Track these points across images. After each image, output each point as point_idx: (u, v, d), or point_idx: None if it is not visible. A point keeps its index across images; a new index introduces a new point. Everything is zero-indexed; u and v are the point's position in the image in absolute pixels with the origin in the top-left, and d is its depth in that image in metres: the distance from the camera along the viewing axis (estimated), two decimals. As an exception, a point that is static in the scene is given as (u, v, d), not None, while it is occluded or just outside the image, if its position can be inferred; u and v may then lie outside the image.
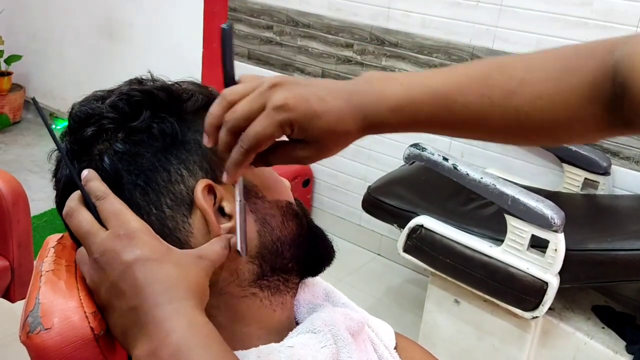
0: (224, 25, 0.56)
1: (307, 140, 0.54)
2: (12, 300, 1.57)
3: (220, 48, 0.57)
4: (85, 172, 0.54)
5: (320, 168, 2.62)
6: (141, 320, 0.47)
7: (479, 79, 0.55)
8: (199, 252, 0.53)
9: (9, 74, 3.45)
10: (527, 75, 0.53)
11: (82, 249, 0.53)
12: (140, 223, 0.52)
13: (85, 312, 0.50)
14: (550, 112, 0.53)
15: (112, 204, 0.52)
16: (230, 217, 0.57)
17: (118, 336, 0.50)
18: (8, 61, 3.39)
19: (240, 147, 0.53)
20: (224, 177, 0.56)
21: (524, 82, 0.53)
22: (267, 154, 0.56)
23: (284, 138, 0.55)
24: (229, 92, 0.54)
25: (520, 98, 0.53)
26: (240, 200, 0.56)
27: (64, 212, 0.54)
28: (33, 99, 0.59)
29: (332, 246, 0.66)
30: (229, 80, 0.57)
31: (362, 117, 0.55)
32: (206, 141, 0.55)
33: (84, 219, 0.52)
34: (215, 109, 0.54)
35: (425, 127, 0.57)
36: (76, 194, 0.54)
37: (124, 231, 0.50)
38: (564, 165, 1.91)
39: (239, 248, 0.55)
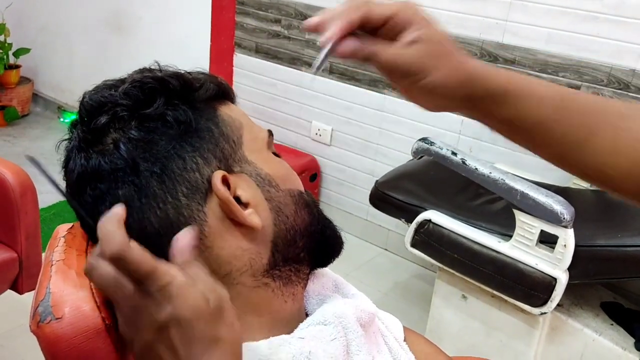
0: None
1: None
2: (20, 292, 1.57)
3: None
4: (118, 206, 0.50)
5: (328, 162, 2.61)
6: None
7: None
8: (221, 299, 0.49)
9: (17, 67, 3.46)
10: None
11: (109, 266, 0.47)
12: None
13: (96, 302, 0.50)
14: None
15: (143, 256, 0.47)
16: (247, 205, 0.57)
17: None
18: (16, 54, 3.39)
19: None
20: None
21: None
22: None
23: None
24: None
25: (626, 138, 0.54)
26: (331, 42, 0.51)
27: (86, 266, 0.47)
28: (32, 159, 0.53)
29: (341, 237, 0.66)
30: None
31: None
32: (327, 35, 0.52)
33: (106, 268, 0.46)
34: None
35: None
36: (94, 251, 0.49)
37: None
38: (574, 160, 1.89)
39: (314, 69, 0.53)
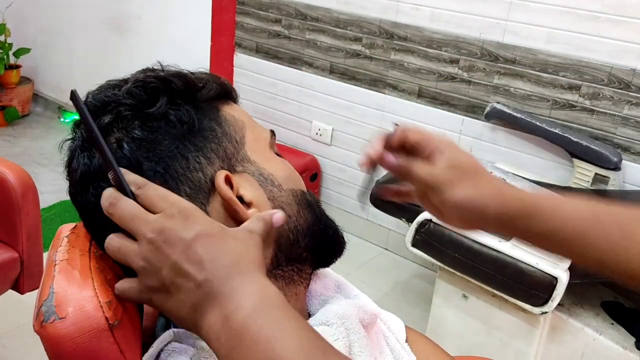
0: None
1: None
2: (21, 292, 1.57)
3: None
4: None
5: (328, 162, 2.61)
6: (213, 292, 0.47)
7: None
8: (248, 227, 0.53)
9: (17, 67, 3.46)
10: None
11: (113, 237, 0.51)
12: (190, 203, 0.52)
13: (99, 302, 0.50)
14: None
15: (156, 189, 0.52)
16: (249, 204, 0.57)
17: (184, 315, 0.48)
18: (17, 54, 3.40)
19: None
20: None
21: None
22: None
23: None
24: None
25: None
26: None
27: (104, 204, 0.51)
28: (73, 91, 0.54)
29: (343, 237, 0.67)
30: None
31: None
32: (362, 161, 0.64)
33: (129, 204, 0.50)
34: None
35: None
36: (111, 188, 0.52)
37: (177, 210, 0.50)
38: (574, 160, 1.89)
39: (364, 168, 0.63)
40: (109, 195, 0.51)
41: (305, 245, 0.61)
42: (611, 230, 0.58)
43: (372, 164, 0.64)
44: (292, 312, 0.47)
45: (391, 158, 0.62)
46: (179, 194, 0.55)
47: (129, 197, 0.51)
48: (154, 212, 0.50)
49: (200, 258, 0.47)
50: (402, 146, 0.63)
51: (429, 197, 0.61)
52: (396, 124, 0.64)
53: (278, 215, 0.55)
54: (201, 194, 0.56)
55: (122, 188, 0.51)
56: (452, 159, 0.60)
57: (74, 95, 0.53)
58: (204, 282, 0.47)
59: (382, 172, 0.67)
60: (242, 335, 0.44)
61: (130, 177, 0.52)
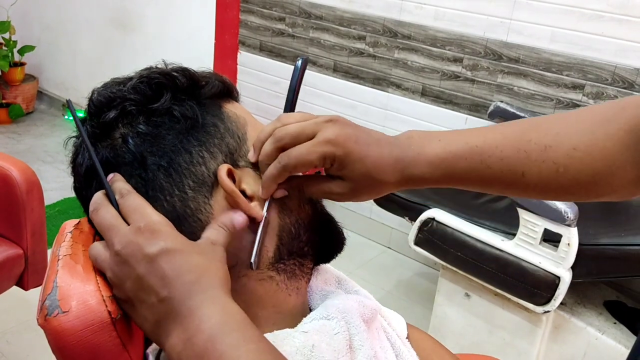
0: (300, 58, 0.62)
1: (343, 178, 0.58)
2: (26, 288, 1.58)
3: (292, 77, 0.62)
4: (111, 175, 0.55)
5: (331, 160, 2.61)
6: (174, 311, 0.48)
7: (515, 135, 0.57)
8: (210, 238, 0.54)
9: (22, 64, 3.47)
10: (562, 130, 0.55)
11: (96, 244, 0.53)
12: (160, 216, 0.52)
13: (102, 296, 0.50)
14: (588, 163, 0.54)
15: (134, 200, 0.53)
16: (251, 198, 0.58)
17: (147, 329, 0.50)
18: (21, 52, 3.41)
19: (277, 163, 0.56)
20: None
21: (560, 136, 0.55)
22: (302, 182, 0.59)
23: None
24: (285, 116, 0.59)
25: (556, 151, 0.55)
26: (265, 217, 0.57)
27: (89, 209, 0.54)
28: (68, 101, 0.60)
29: (343, 232, 0.67)
30: (289, 107, 0.61)
31: (400, 169, 0.58)
32: (251, 155, 0.59)
33: (107, 212, 0.52)
34: (268, 127, 0.58)
35: (461, 182, 0.59)
36: (101, 192, 0.55)
37: (144, 224, 0.51)
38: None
39: (252, 260, 0.56)
40: (94, 201, 0.54)
41: (307, 240, 0.62)
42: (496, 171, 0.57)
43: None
44: (252, 332, 0.48)
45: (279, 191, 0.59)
46: (183, 188, 0.56)
47: (113, 204, 0.53)
48: (128, 224, 0.51)
49: (164, 273, 0.48)
50: None
51: (334, 171, 0.58)
52: None
53: (237, 218, 0.55)
54: (204, 187, 0.57)
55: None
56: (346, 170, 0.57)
57: (69, 104, 0.57)
58: (166, 299, 0.48)
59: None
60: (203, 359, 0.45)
61: (117, 185, 0.54)
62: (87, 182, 0.57)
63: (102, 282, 0.52)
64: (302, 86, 0.64)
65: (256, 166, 0.60)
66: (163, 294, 0.48)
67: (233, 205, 0.57)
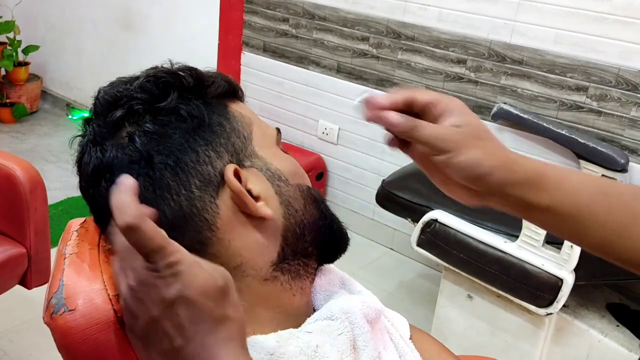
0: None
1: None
2: (29, 287, 1.59)
3: None
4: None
5: (334, 161, 2.62)
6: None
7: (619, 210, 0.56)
8: (218, 282, 0.48)
9: (26, 64, 3.48)
10: None
11: (116, 266, 0.49)
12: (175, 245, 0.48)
13: (108, 295, 0.51)
14: None
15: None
16: (257, 198, 0.58)
17: None
18: (25, 51, 3.42)
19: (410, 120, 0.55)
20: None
21: None
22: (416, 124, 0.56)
23: None
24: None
25: None
26: None
27: (120, 221, 0.45)
28: None
29: (347, 233, 0.67)
30: None
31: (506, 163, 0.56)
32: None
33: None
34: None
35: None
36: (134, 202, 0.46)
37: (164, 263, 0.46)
38: (581, 161, 1.89)
39: None
40: (132, 213, 0.44)
41: (312, 240, 0.62)
42: (618, 205, 0.55)
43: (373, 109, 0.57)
44: None
45: (392, 114, 0.55)
46: (189, 187, 0.56)
47: None
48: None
49: (180, 322, 0.45)
50: (408, 109, 0.57)
51: (434, 160, 0.55)
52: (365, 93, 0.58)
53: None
54: (211, 186, 0.57)
55: None
56: (462, 121, 0.55)
57: None
58: (180, 348, 0.46)
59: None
60: None
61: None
62: (94, 180, 0.57)
63: (108, 281, 0.52)
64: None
65: (261, 166, 0.60)
66: (177, 343, 0.46)
67: (240, 205, 0.57)
